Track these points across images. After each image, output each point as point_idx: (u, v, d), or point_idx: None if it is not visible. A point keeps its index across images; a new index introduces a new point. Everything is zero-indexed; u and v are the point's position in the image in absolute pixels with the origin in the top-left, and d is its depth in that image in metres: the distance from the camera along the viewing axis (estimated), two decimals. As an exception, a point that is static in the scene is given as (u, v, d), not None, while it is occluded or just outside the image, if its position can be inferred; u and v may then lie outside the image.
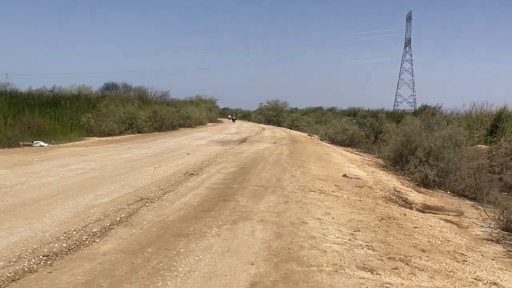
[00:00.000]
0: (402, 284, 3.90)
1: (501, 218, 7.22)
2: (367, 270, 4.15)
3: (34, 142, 15.03)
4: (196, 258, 4.26)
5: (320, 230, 5.45)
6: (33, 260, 4.08)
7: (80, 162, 10.63)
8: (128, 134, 22.22)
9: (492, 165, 13.28)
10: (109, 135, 20.36)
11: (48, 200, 6.55)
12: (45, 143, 15.28)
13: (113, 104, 23.88)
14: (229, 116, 65.98)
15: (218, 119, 59.28)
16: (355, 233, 5.47)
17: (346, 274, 4.00)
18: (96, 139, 18.93)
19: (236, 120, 62.30)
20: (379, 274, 4.08)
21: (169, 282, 3.65)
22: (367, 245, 4.98)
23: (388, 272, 4.15)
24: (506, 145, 13.73)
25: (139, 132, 23.38)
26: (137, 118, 23.91)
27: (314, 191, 8.03)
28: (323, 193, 7.98)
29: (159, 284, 3.60)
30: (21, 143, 14.55)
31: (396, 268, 4.28)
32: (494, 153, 14.11)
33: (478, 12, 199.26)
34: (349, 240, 5.14)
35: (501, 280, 4.56)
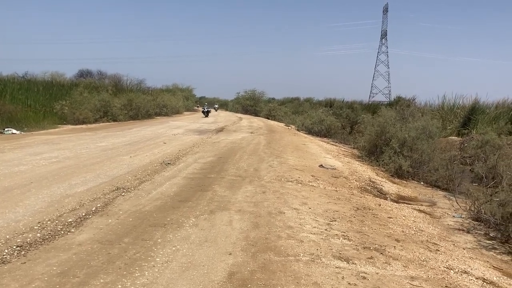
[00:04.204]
0: (377, 273, 3.98)
1: (472, 209, 7.44)
2: (343, 260, 4.22)
3: (6, 129, 14.64)
4: (174, 248, 4.25)
5: (297, 220, 5.50)
6: (6, 251, 3.99)
7: (54, 151, 10.41)
8: (103, 122, 21.87)
9: (464, 157, 13.62)
10: (83, 123, 19.97)
11: (21, 189, 6.40)
12: (17, 130, 14.90)
13: (87, 92, 23.43)
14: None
15: (195, 108, 58.74)
16: (331, 223, 5.54)
17: (322, 264, 4.06)
18: (70, 127, 18.55)
19: (217, 111, 50.76)
20: (355, 264, 4.15)
21: (146, 273, 3.63)
22: (343, 235, 5.05)
23: (364, 262, 4.23)
24: (477, 137, 14.08)
25: (114, 121, 23.02)
26: (112, 106, 23.50)
27: (291, 181, 8.08)
28: (300, 183, 8.04)
29: (137, 274, 3.58)
30: (-9, 130, 14.17)
31: (371, 258, 4.37)
32: (466, 145, 14.46)
33: (454, 6, 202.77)
34: (326, 230, 5.20)
35: (471, 269, 4.71)
